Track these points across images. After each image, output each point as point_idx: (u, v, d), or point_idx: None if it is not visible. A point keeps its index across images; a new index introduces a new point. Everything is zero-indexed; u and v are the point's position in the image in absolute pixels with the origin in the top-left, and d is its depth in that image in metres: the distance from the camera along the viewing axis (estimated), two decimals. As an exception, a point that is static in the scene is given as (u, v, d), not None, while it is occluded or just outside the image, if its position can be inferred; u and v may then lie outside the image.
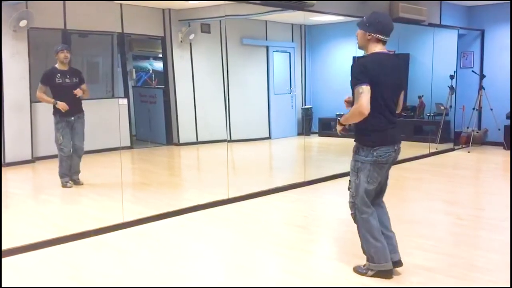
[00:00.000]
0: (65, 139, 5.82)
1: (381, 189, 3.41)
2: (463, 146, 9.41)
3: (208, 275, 3.54)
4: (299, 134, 10.63)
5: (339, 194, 6.21)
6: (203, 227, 4.56)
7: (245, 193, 5.55)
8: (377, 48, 3.21)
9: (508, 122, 9.10)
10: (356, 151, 3.31)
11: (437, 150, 8.88)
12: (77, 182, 6.04)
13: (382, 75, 3.14)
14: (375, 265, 3.27)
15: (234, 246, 4.05)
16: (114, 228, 4.37)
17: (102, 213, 4.99)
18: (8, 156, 6.56)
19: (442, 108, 9.14)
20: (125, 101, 8.43)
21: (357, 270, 3.39)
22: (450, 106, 9.28)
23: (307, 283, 3.26)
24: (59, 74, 5.84)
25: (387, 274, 3.28)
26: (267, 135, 10.39)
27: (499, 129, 9.06)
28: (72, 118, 5.88)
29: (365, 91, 3.07)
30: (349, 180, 3.37)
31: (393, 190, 5.91)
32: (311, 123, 10.74)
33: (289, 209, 5.29)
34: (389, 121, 3.22)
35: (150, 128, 9.90)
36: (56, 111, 5.87)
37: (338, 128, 3.38)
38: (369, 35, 3.19)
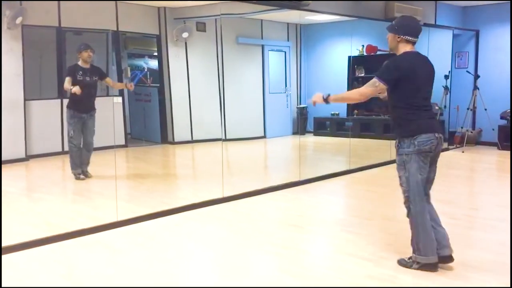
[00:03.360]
0: (76, 133, 6.09)
1: (427, 182, 3.48)
2: (457, 146, 9.45)
3: (202, 275, 3.53)
4: (294, 133, 10.63)
5: (334, 193, 6.23)
6: (197, 226, 4.55)
7: (240, 192, 5.54)
8: (407, 48, 3.43)
9: (502, 122, 9.14)
10: (398, 146, 3.42)
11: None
12: (85, 174, 6.22)
13: (415, 70, 3.36)
14: (422, 258, 3.35)
15: (228, 245, 4.04)
16: (108, 227, 4.35)
17: (96, 212, 4.97)
18: (2, 154, 6.52)
19: (437, 108, 9.16)
20: (119, 99, 8.40)
21: (401, 262, 3.47)
22: (445, 106, 9.32)
23: (302, 283, 3.26)
24: (81, 72, 6.07)
25: (432, 267, 3.35)
26: (262, 134, 10.38)
27: (493, 129, 9.10)
28: (85, 115, 6.12)
29: (378, 87, 3.34)
30: (399, 176, 3.44)
31: (386, 190, 5.95)
32: (306, 122, 10.74)
33: (284, 208, 5.28)
34: (426, 112, 3.40)
35: (145, 127, 9.88)
36: (71, 106, 6.06)
37: (317, 99, 3.64)
38: (398, 37, 3.42)
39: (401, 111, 3.37)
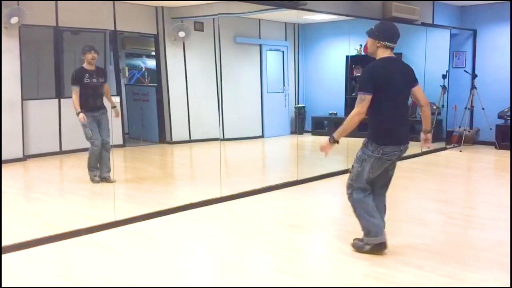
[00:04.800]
0: (94, 132, 5.98)
1: (384, 183, 3.75)
2: (455, 145, 9.46)
3: (200, 275, 3.53)
4: (292, 133, 10.64)
5: (332, 193, 6.23)
6: (195, 226, 4.56)
7: (238, 191, 5.54)
8: (386, 54, 3.53)
9: (499, 121, 9.16)
10: (365, 145, 3.57)
11: (429, 149, 8.91)
12: (108, 180, 6.03)
13: (391, 77, 3.45)
14: (372, 239, 3.59)
15: (226, 245, 4.04)
16: (105, 227, 4.34)
17: (93, 212, 4.97)
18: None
19: (434, 107, 9.18)
20: (117, 99, 8.39)
21: (355, 246, 3.70)
22: (442, 106, 9.33)
23: (300, 283, 3.26)
24: (87, 74, 6.00)
25: (381, 247, 3.59)
26: (260, 134, 10.39)
27: (490, 129, 9.12)
28: (97, 113, 6.05)
29: (366, 100, 3.41)
30: (352, 165, 3.68)
31: (385, 189, 5.94)
32: (304, 122, 10.75)
33: (282, 208, 5.29)
34: (399, 121, 3.53)
35: (142, 126, 9.87)
36: (82, 107, 5.97)
37: (326, 147, 3.60)
38: (378, 43, 3.52)
39: (375, 117, 3.50)
